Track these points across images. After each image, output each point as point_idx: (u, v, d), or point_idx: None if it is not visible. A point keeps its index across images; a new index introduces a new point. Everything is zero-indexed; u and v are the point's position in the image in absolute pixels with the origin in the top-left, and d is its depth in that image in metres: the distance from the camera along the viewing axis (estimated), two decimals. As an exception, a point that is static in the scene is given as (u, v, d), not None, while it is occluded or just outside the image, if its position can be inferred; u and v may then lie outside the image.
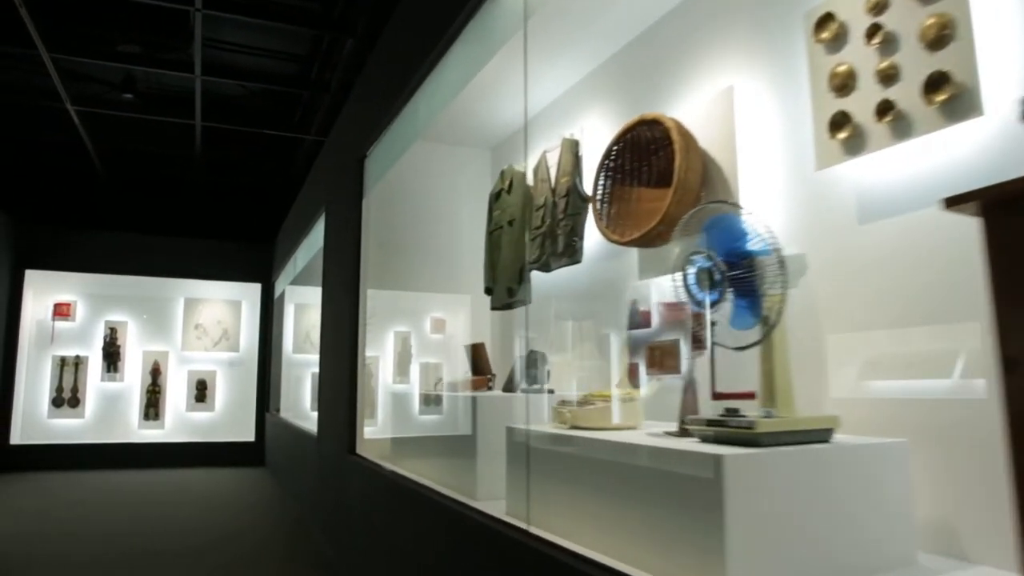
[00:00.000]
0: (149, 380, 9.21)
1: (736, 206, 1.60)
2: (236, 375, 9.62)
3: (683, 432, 1.74)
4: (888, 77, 1.62)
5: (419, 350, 4.75)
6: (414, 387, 4.70)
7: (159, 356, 9.30)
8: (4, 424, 8.40)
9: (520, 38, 2.62)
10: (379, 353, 4.70)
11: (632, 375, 2.17)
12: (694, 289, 1.54)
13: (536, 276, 3.10)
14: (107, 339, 9.11)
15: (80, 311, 9.10)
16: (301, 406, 8.11)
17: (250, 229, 9.73)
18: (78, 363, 8.94)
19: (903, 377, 1.66)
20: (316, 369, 7.30)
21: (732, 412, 1.50)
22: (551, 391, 2.68)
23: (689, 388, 1.79)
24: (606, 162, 2.37)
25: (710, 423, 1.49)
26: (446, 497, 2.49)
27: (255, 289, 9.77)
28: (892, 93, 1.61)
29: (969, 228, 1.49)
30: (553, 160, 2.98)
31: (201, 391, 9.41)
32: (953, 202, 1.05)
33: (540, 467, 1.96)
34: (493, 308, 3.44)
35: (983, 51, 1.45)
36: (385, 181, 4.07)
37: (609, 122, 2.85)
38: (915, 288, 1.63)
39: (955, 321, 1.56)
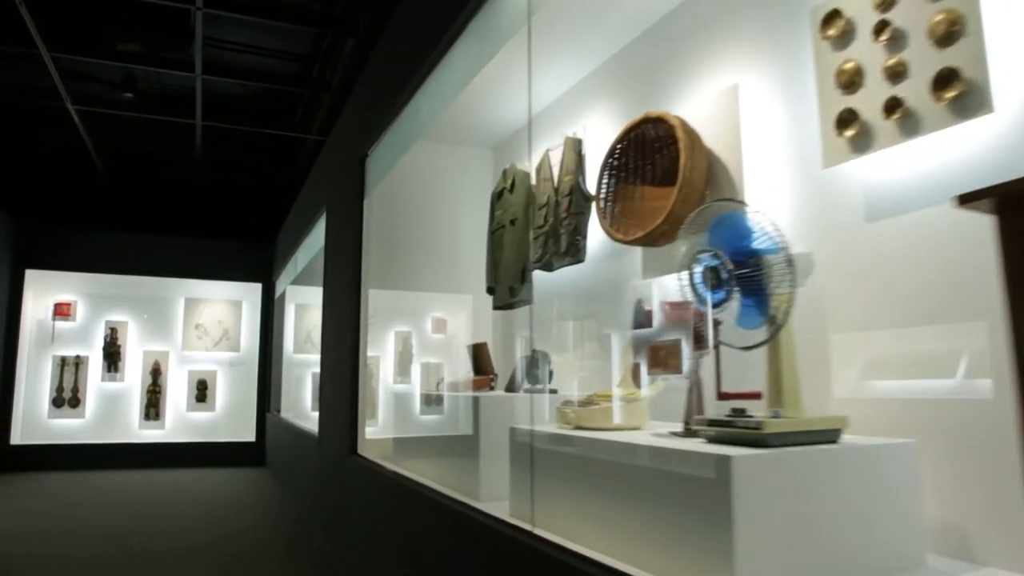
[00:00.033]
0: (149, 380, 9.20)
1: (743, 204, 1.58)
2: (237, 375, 9.61)
3: (688, 432, 1.73)
4: (896, 74, 1.61)
5: (420, 350, 4.74)
6: (415, 387, 4.69)
7: (159, 356, 9.29)
8: (4, 424, 8.39)
9: (522, 36, 2.60)
10: (380, 353, 4.68)
11: (635, 375, 2.15)
12: (700, 288, 1.52)
13: (538, 275, 3.08)
14: (107, 339, 9.10)
15: (80, 311, 9.09)
16: (302, 406, 8.10)
17: (251, 229, 9.71)
18: (78, 363, 8.93)
19: (910, 377, 1.65)
20: (317, 369, 7.29)
21: (739, 412, 1.49)
22: (554, 391, 2.67)
23: (694, 388, 1.77)
24: (610, 160, 2.35)
25: (717, 423, 1.48)
26: (448, 498, 2.48)
27: (256, 289, 9.76)
28: (900, 90, 1.60)
29: (978, 226, 1.48)
30: (556, 159, 2.96)
31: (202, 391, 9.40)
32: (966, 199, 1.04)
33: (544, 468, 1.94)
34: (495, 308, 3.42)
35: (993, 47, 1.43)
36: (386, 181, 4.06)
37: (612, 120, 2.83)
38: (922, 287, 1.61)
39: (962, 320, 1.54)
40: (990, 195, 1.02)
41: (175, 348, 9.39)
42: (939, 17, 1.50)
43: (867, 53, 1.68)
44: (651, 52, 2.65)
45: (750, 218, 1.48)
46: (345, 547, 4.09)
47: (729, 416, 1.48)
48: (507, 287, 3.24)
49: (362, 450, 3.91)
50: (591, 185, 2.74)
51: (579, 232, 2.73)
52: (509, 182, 3.35)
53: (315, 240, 6.23)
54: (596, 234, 2.75)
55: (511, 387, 3.01)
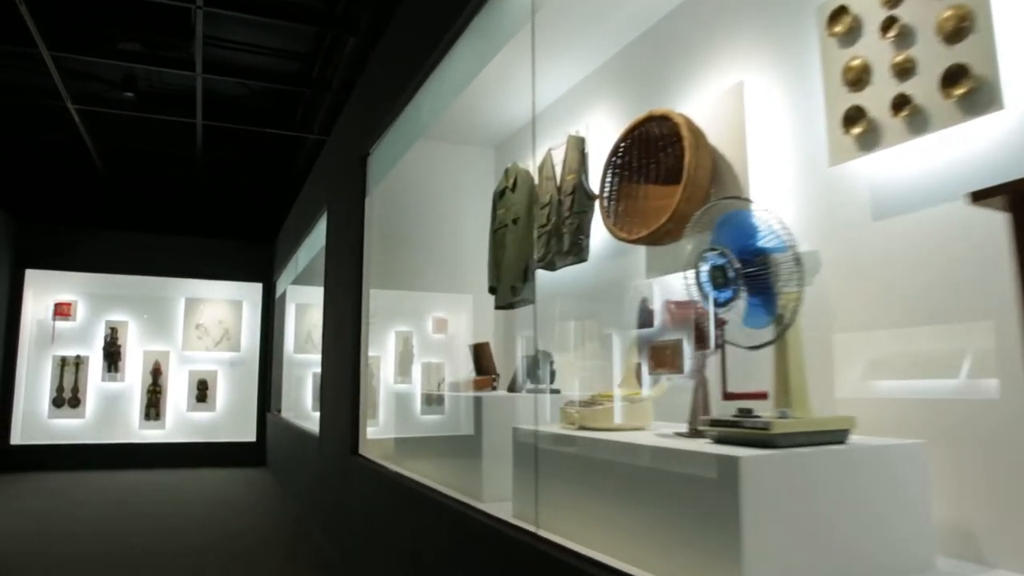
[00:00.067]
0: (150, 380, 9.19)
1: (750, 202, 1.56)
2: (237, 375, 9.59)
3: (694, 433, 1.71)
4: (904, 71, 1.59)
5: (421, 350, 4.73)
6: (416, 387, 4.67)
7: (160, 356, 9.28)
8: (4, 424, 8.37)
9: (523, 35, 2.59)
10: (380, 353, 4.67)
11: (640, 375, 2.14)
12: (707, 287, 1.51)
13: (541, 275, 3.07)
14: (108, 339, 9.09)
15: (81, 311, 9.07)
16: (302, 406, 8.09)
17: (251, 228, 9.70)
18: (79, 363, 8.92)
19: (916, 377, 1.63)
20: (317, 369, 7.27)
21: (745, 412, 1.47)
22: (556, 391, 2.65)
23: (699, 388, 1.75)
24: (613, 159, 2.34)
25: (723, 423, 1.46)
26: (451, 498, 2.46)
27: (256, 289, 9.75)
28: (908, 87, 1.58)
29: (986, 224, 1.46)
30: (558, 157, 2.95)
31: (202, 391, 9.38)
32: (980, 196, 1.02)
33: (548, 469, 1.93)
34: (497, 307, 3.41)
35: (1003, 43, 1.42)
36: (387, 180, 4.04)
37: (615, 119, 2.82)
38: (929, 286, 1.60)
39: (970, 320, 1.53)
40: (1003, 192, 1.00)
41: (175, 348, 9.38)
42: (948, 13, 1.49)
43: (874, 50, 1.67)
44: (654, 50, 2.63)
45: (757, 216, 1.47)
46: (346, 548, 4.08)
47: (736, 416, 1.46)
48: (509, 286, 3.23)
49: (363, 450, 3.89)
50: (594, 184, 2.73)
51: (582, 231, 2.72)
52: (511, 181, 3.33)
53: (316, 240, 6.22)
54: (599, 233, 2.73)
55: (513, 387, 3.00)
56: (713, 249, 1.48)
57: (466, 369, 3.51)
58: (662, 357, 1.93)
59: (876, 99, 1.65)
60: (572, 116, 3.16)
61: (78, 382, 8.88)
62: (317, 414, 5.92)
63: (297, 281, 7.84)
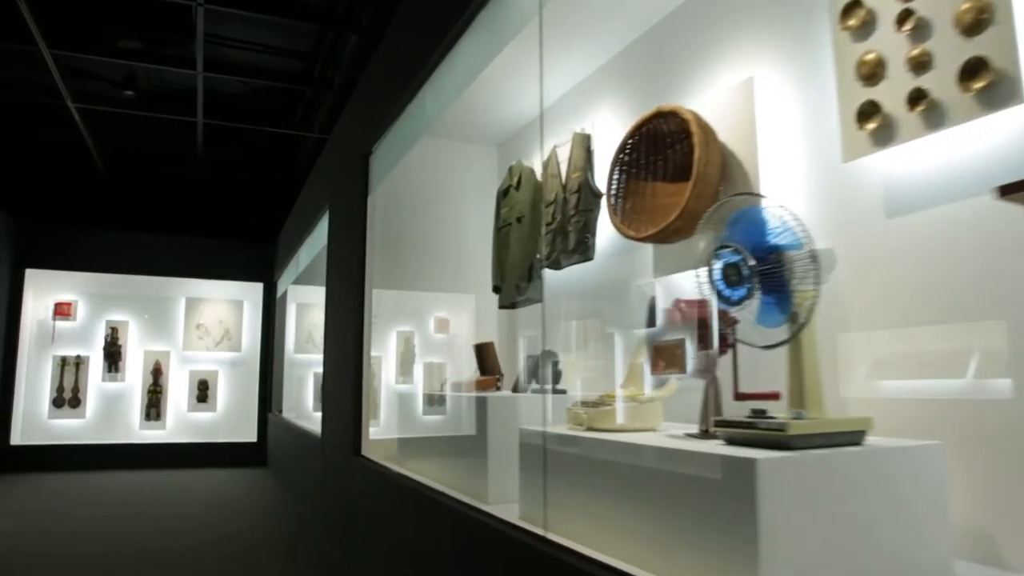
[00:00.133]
0: (150, 380, 9.16)
1: (765, 198, 1.53)
2: (238, 375, 9.56)
3: (705, 434, 1.68)
4: (920, 65, 1.56)
5: (422, 350, 4.70)
6: (418, 387, 4.65)
7: (160, 356, 9.25)
8: (4, 424, 8.34)
9: (527, 32, 2.56)
10: (381, 353, 4.64)
11: (642, 375, 2.11)
12: (720, 285, 1.47)
13: (546, 274, 3.04)
14: (108, 339, 9.06)
15: (81, 311, 9.04)
16: (303, 406, 8.06)
17: (252, 228, 9.66)
18: (79, 363, 8.89)
19: (930, 376, 1.60)
20: (318, 369, 7.24)
21: (759, 413, 1.44)
22: (562, 391, 2.62)
23: (711, 388, 1.72)
24: (620, 156, 2.31)
25: (738, 424, 1.43)
26: (456, 500, 2.43)
27: (257, 288, 9.72)
28: (925, 81, 1.55)
29: (1003, 221, 1.43)
30: (564, 155, 2.91)
31: (203, 391, 9.35)
32: (1008, 190, 0.99)
33: (556, 470, 1.89)
34: (501, 307, 3.38)
35: (1024, 36, 1.39)
36: (389, 179, 4.01)
37: (622, 116, 2.79)
38: (944, 285, 1.57)
39: (985, 319, 1.50)
40: (1033, 186, 0.97)
41: (176, 348, 9.35)
42: (966, 5, 1.46)
43: (889, 44, 1.64)
44: (662, 45, 2.60)
45: (771, 212, 1.44)
46: (347, 549, 4.05)
47: (750, 417, 1.43)
48: (513, 285, 3.20)
49: (366, 451, 3.86)
50: (600, 182, 2.70)
51: (588, 229, 2.69)
52: (515, 179, 3.30)
53: (317, 239, 6.18)
54: (605, 231, 2.71)
55: (516, 387, 2.97)
56: (727, 246, 1.44)
57: (469, 369, 3.48)
58: (666, 357, 1.90)
59: (891, 94, 1.62)
60: (577, 113, 3.12)
61: (78, 382, 8.86)
62: (318, 414, 5.89)
63: (298, 281, 7.81)
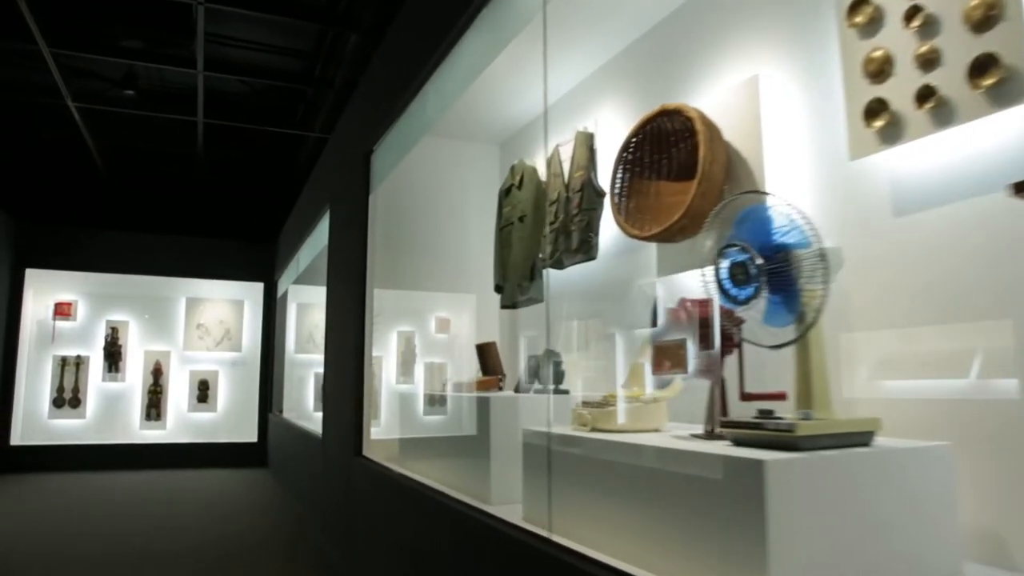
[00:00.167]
0: (150, 380, 9.14)
1: (772, 196, 1.51)
2: (238, 375, 9.55)
3: (711, 434, 1.67)
4: (928, 62, 1.54)
5: (423, 350, 4.68)
6: (418, 387, 4.63)
7: (161, 356, 9.23)
8: (4, 425, 8.32)
9: (529, 30, 2.54)
10: (382, 353, 4.63)
11: (643, 375, 2.09)
12: (727, 284, 1.46)
13: (548, 273, 3.02)
14: (108, 339, 9.04)
15: (81, 310, 9.03)
16: (304, 407, 8.05)
17: (252, 228, 9.65)
18: (79, 363, 8.87)
19: (939, 376, 1.59)
20: (319, 369, 7.23)
21: (766, 414, 1.42)
22: (565, 392, 2.61)
23: (716, 388, 1.71)
24: (624, 154, 2.29)
25: (745, 425, 1.41)
26: (458, 501, 2.42)
27: (257, 288, 9.70)
28: (933, 78, 1.53)
29: (1013, 219, 1.42)
30: (566, 154, 2.90)
31: (203, 391, 9.34)
32: (1023, 188, 0.98)
33: (560, 471, 1.88)
34: (503, 306, 3.36)
35: (1034, 32, 1.37)
36: (390, 178, 4.00)
37: (625, 115, 2.77)
38: (951, 284, 1.55)
39: (993, 318, 1.48)
40: (1049, 183, 0.95)
41: (176, 348, 9.34)
42: (976, 1, 1.44)
43: (897, 40, 1.62)
44: (666, 43, 2.58)
45: (779, 211, 1.42)
46: (348, 549, 4.03)
47: (757, 418, 1.42)
48: (516, 285, 3.18)
49: (367, 452, 3.84)
50: (603, 180, 2.68)
51: (591, 229, 2.67)
52: (517, 178, 3.29)
53: (318, 238, 6.17)
54: (608, 230, 2.69)
55: (518, 387, 2.95)
56: (734, 245, 1.43)
57: (470, 369, 3.46)
58: (670, 357, 1.89)
59: (899, 91, 1.61)
60: (580, 112, 3.11)
61: (78, 382, 8.84)
62: (318, 415, 5.88)
63: (299, 281, 7.80)
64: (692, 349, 1.80)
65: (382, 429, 4.18)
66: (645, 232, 2.14)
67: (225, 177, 8.70)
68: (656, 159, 2.24)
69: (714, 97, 2.18)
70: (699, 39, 2.39)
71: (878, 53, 1.65)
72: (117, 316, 9.14)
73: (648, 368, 2.00)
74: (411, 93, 3.43)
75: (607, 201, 2.52)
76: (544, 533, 1.84)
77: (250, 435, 9.36)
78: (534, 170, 3.25)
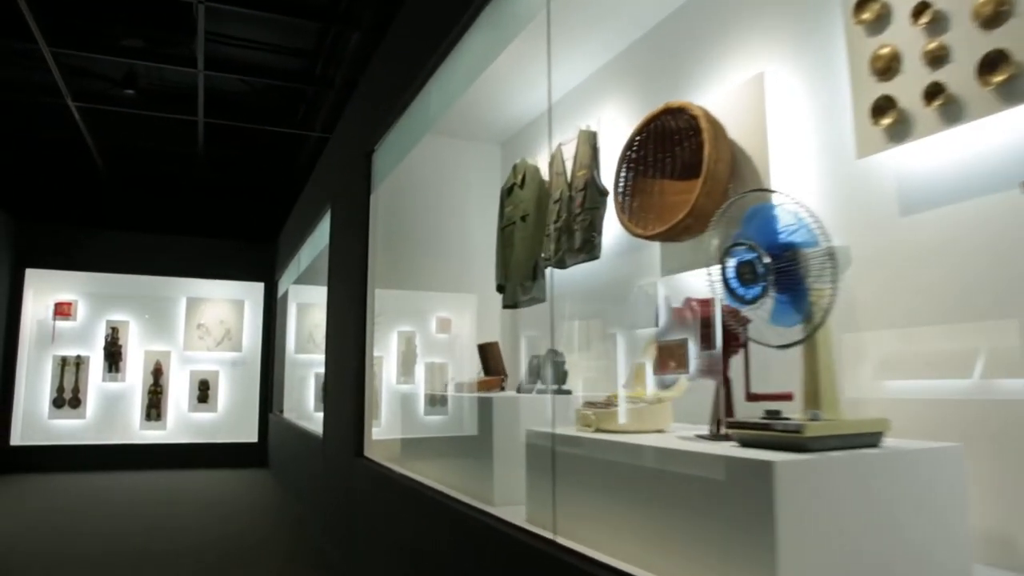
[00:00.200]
0: (151, 380, 9.12)
1: (780, 194, 1.50)
2: (239, 375, 9.53)
3: (717, 435, 1.65)
4: (937, 58, 1.53)
5: (424, 350, 4.67)
6: (419, 387, 4.62)
7: (161, 356, 9.21)
8: (4, 425, 8.31)
9: (531, 28, 2.53)
10: (382, 353, 4.61)
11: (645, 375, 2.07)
12: (734, 283, 1.44)
13: (551, 273, 3.01)
14: (108, 339, 9.03)
15: (81, 310, 9.01)
16: (304, 407, 8.03)
17: (253, 227, 9.63)
18: (79, 363, 8.85)
19: (946, 376, 1.57)
20: (319, 369, 7.21)
21: (773, 414, 1.41)
22: (568, 392, 2.59)
23: (722, 389, 1.69)
24: (628, 153, 2.28)
25: (752, 426, 1.40)
26: (461, 503, 2.40)
27: (258, 288, 9.68)
28: (942, 75, 1.52)
29: (1021, 218, 1.41)
30: (569, 153, 2.88)
31: (203, 391, 9.32)
32: (1038, 184, 0.96)
33: (563, 472, 1.86)
34: (505, 306, 3.35)
35: (1045, 28, 1.35)
36: (390, 178, 3.98)
37: (628, 113, 2.76)
38: (958, 283, 1.54)
39: (1000, 318, 1.47)
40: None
41: (176, 348, 9.32)
42: (985, -3, 1.42)
43: (905, 37, 1.60)
44: (669, 41, 2.57)
45: (787, 209, 1.40)
46: (348, 550, 4.02)
47: (764, 418, 1.40)
48: (518, 285, 3.17)
49: (368, 452, 3.83)
50: (606, 179, 2.67)
51: (594, 228, 2.66)
52: (519, 177, 3.27)
53: (319, 238, 6.15)
54: (611, 230, 2.67)
55: (520, 388, 2.93)
56: (741, 243, 1.41)
57: (471, 370, 3.45)
58: (675, 357, 1.87)
59: (907, 88, 1.59)
60: (583, 110, 3.09)
61: (78, 382, 8.82)
62: (319, 415, 5.86)
63: (299, 280, 7.78)
64: (693, 349, 1.78)
65: (383, 429, 4.16)
66: (649, 231, 2.13)
67: (226, 177, 8.69)
68: (660, 157, 2.23)
69: (719, 95, 2.16)
70: (703, 36, 2.37)
71: (886, 50, 1.64)
72: (117, 316, 9.12)
73: (649, 368, 1.98)
74: (412, 92, 3.41)
75: (610, 200, 2.50)
76: (549, 535, 1.82)
77: (250, 435, 9.34)
78: (536, 169, 3.23)
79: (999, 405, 1.45)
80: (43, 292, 8.85)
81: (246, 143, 7.56)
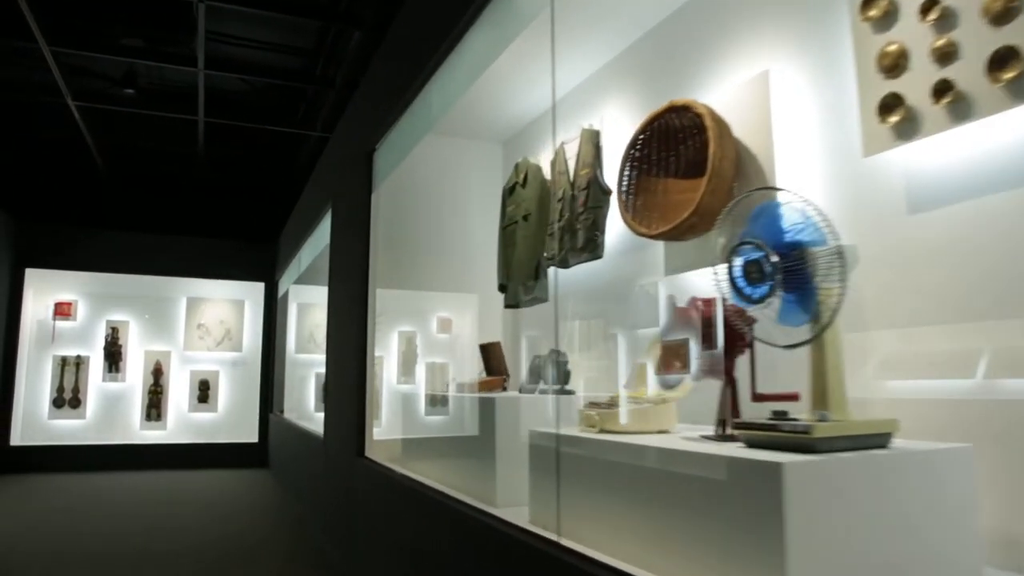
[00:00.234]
0: (151, 380, 9.11)
1: (787, 192, 1.48)
2: (239, 375, 9.51)
3: (722, 435, 1.64)
4: (945, 55, 1.51)
5: (424, 350, 4.65)
6: (420, 387, 4.60)
7: (161, 356, 9.20)
8: (4, 425, 8.29)
9: (534, 26, 2.52)
10: (383, 353, 4.60)
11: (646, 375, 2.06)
12: (741, 282, 1.43)
13: (554, 272, 2.99)
14: (108, 339, 9.01)
15: (81, 310, 9.00)
16: (305, 407, 8.02)
17: (253, 227, 9.62)
18: (79, 363, 8.84)
19: (954, 376, 1.56)
20: (319, 369, 7.19)
21: (780, 415, 1.39)
22: (571, 392, 2.58)
23: (728, 389, 1.67)
24: (631, 152, 2.26)
25: (759, 427, 1.38)
26: (463, 503, 2.38)
27: (258, 288, 9.67)
28: (950, 72, 1.50)
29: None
30: (572, 152, 2.87)
31: (203, 391, 9.30)
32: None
33: (567, 473, 1.85)
34: (507, 306, 3.33)
35: (1056, 24, 1.34)
36: (391, 178, 3.97)
37: (631, 112, 2.74)
38: (967, 282, 1.52)
39: (1010, 317, 1.45)
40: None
41: (177, 348, 9.30)
42: (995, -7, 1.41)
43: (913, 34, 1.59)
44: (673, 39, 2.55)
45: (795, 208, 1.39)
46: (349, 550, 4.00)
47: (771, 419, 1.39)
48: (520, 284, 3.15)
49: (370, 452, 3.81)
50: (609, 178, 2.65)
51: (597, 227, 2.64)
52: (521, 176, 3.26)
53: (319, 238, 6.14)
54: (614, 229, 2.66)
55: (521, 388, 2.92)
56: (748, 242, 1.40)
57: (472, 369, 3.43)
58: (680, 357, 1.86)
59: (915, 86, 1.58)
60: (585, 109, 3.08)
61: (78, 382, 8.81)
62: (319, 415, 5.85)
63: (300, 280, 7.76)
64: (694, 349, 1.77)
65: (383, 430, 4.15)
66: (653, 230, 2.11)
67: (226, 176, 8.67)
68: (664, 156, 2.21)
69: (723, 93, 2.15)
70: (708, 34, 2.36)
71: (893, 47, 1.62)
72: (117, 316, 9.11)
73: (650, 368, 1.97)
74: (413, 91, 3.40)
75: (613, 199, 2.49)
76: (553, 537, 1.81)
77: (251, 435, 9.33)
78: (538, 168, 3.22)
79: (1010, 405, 1.43)
80: (43, 292, 8.83)
81: (246, 142, 7.54)
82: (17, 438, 8.46)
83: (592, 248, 2.64)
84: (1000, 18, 1.40)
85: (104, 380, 8.94)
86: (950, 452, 1.37)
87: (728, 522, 1.28)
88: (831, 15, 1.88)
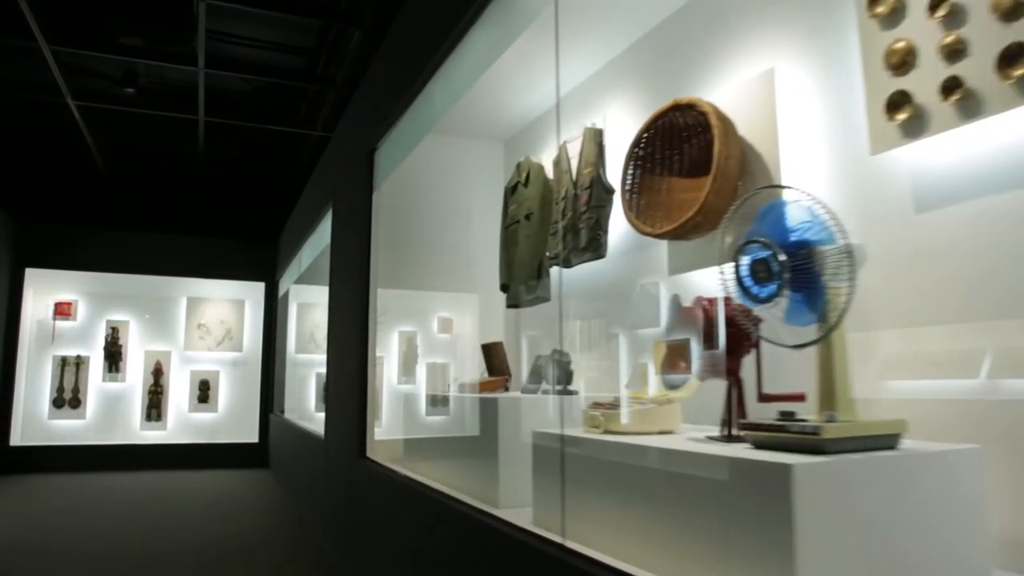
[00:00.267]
0: (151, 380, 9.09)
1: (794, 190, 1.47)
2: (239, 375, 9.50)
3: (728, 436, 1.62)
4: (954, 52, 1.50)
5: (425, 350, 4.64)
6: (420, 388, 4.59)
7: (161, 356, 9.18)
8: (4, 425, 8.28)
9: (535, 25, 2.50)
10: (383, 353, 4.58)
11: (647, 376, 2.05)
12: (748, 281, 1.41)
13: (556, 272, 2.98)
14: (108, 339, 8.99)
15: (81, 310, 8.98)
16: (305, 407, 8.00)
17: (254, 227, 9.60)
18: (79, 363, 8.82)
19: (960, 376, 1.54)
20: (320, 369, 7.18)
21: (788, 416, 1.38)
22: (574, 392, 2.56)
23: (734, 389, 1.66)
24: (635, 150, 2.24)
25: (766, 427, 1.37)
26: (465, 504, 2.37)
27: (259, 288, 9.65)
28: (959, 69, 1.49)
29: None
30: (574, 150, 2.85)
31: (204, 392, 9.29)
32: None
33: (570, 474, 1.83)
34: (509, 306, 3.32)
35: (1067, 20, 1.32)
36: (392, 177, 3.95)
37: (634, 110, 2.73)
38: (974, 282, 1.51)
39: (1015, 317, 1.44)
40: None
41: (177, 348, 9.29)
42: (1005, -11, 1.39)
43: (920, 31, 1.57)
44: (677, 37, 2.54)
45: (802, 206, 1.37)
46: (349, 550, 3.99)
47: (778, 420, 1.37)
48: (522, 284, 3.14)
49: (371, 453, 3.80)
50: (612, 177, 2.63)
51: (600, 226, 2.63)
52: (524, 175, 3.24)
53: (320, 238, 6.12)
54: (617, 228, 2.64)
55: (523, 388, 2.90)
56: (755, 241, 1.38)
57: (473, 370, 3.42)
58: (682, 356, 1.84)
59: (923, 83, 1.56)
60: (588, 108, 3.06)
61: (78, 382, 8.79)
62: (320, 415, 5.83)
63: (300, 280, 7.75)
64: (696, 349, 1.75)
65: (384, 430, 4.13)
66: (657, 229, 2.09)
67: (226, 176, 8.66)
68: (668, 155, 2.20)
69: (728, 91, 2.13)
70: (712, 32, 2.34)
71: (901, 44, 1.61)
72: (117, 316, 9.09)
73: (651, 368, 1.95)
74: (414, 90, 3.38)
75: (616, 198, 2.47)
76: (557, 538, 1.79)
77: (251, 436, 9.31)
78: (541, 167, 3.20)
79: (1014, 405, 1.41)
80: (43, 292, 8.82)
81: (247, 142, 7.53)
82: (17, 438, 8.44)
83: (595, 247, 2.63)
84: (1010, 14, 1.39)
85: (104, 380, 8.92)
86: (960, 453, 1.36)
87: (736, 524, 1.27)
88: (837, 12, 1.86)
